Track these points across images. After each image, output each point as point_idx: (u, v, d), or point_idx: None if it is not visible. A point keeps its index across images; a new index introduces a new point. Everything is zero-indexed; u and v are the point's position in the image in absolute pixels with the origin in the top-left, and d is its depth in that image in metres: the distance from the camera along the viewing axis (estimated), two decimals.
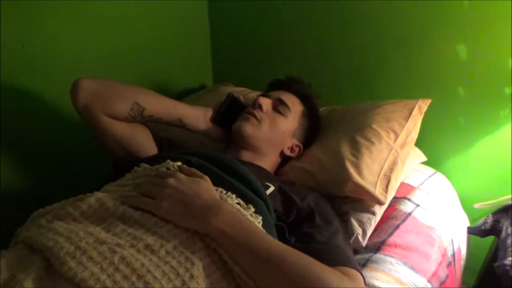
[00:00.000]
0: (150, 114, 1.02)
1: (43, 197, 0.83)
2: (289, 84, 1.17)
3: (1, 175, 1.11)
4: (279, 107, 1.10)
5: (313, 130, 1.17)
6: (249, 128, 1.05)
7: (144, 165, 0.88)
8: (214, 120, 1.11)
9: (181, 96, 1.57)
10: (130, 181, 0.84)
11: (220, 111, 1.12)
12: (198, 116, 1.10)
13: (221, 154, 0.98)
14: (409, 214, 1.08)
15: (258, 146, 1.07)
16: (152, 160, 0.90)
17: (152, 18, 1.45)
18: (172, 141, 1.15)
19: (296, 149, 1.12)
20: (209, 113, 1.12)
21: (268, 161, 1.10)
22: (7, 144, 1.13)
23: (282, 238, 0.80)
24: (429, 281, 0.92)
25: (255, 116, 1.07)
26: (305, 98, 1.15)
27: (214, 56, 1.77)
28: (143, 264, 0.63)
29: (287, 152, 1.11)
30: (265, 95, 1.14)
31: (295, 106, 1.12)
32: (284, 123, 1.09)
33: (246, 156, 1.06)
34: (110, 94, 0.98)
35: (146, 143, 1.05)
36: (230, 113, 1.12)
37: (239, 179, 0.85)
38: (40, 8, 1.12)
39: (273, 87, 1.20)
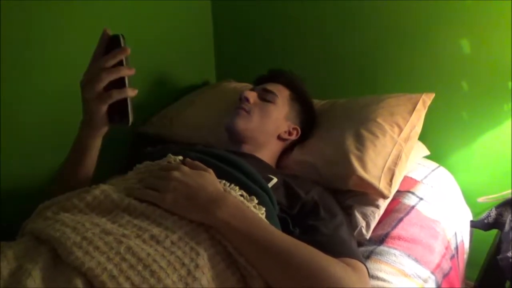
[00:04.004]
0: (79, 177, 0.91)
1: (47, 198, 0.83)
2: (272, 76, 1.20)
3: (3, 172, 1.12)
4: (266, 96, 1.12)
5: (307, 111, 1.19)
6: (240, 122, 1.07)
7: (146, 162, 0.89)
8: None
9: (184, 92, 1.58)
10: (134, 175, 0.85)
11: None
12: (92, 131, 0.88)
13: (219, 149, 0.99)
14: (413, 207, 1.09)
15: (254, 137, 1.08)
16: (153, 156, 0.91)
17: (156, 15, 1.45)
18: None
19: (294, 132, 1.14)
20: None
21: (269, 151, 1.11)
22: (9, 141, 1.13)
23: (285, 230, 0.80)
24: (432, 272, 0.92)
25: (244, 109, 1.09)
26: (289, 83, 1.18)
27: (217, 53, 1.78)
28: (149, 254, 0.64)
29: (285, 136, 1.13)
30: (250, 89, 1.17)
31: (281, 92, 1.15)
32: (275, 110, 1.11)
33: (246, 149, 1.08)
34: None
35: None
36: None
37: (241, 172, 0.86)
38: (43, 6, 1.13)
39: (258, 83, 1.22)
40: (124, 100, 0.79)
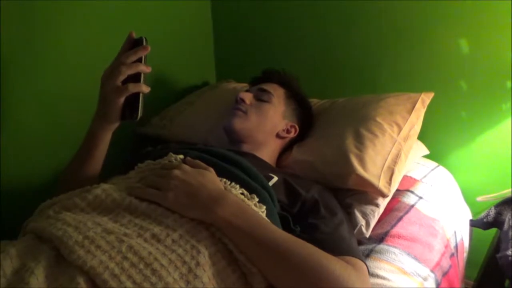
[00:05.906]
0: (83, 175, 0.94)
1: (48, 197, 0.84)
2: (266, 76, 1.22)
3: (3, 172, 1.12)
4: (261, 96, 1.14)
5: (304, 108, 1.20)
6: (237, 122, 1.09)
7: (148, 161, 0.90)
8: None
9: (184, 93, 1.58)
10: (135, 174, 0.86)
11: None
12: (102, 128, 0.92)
13: (220, 148, 1.00)
14: (412, 206, 1.09)
15: (252, 136, 1.09)
16: (154, 155, 0.92)
17: (156, 15, 1.46)
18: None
19: (292, 130, 1.15)
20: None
21: (269, 150, 1.12)
22: (9, 141, 1.13)
23: (286, 227, 0.80)
24: (432, 271, 0.92)
25: (240, 110, 1.10)
26: (283, 82, 1.20)
27: (217, 53, 1.78)
28: (150, 253, 0.64)
29: (284, 134, 1.14)
30: (245, 90, 1.20)
31: (276, 91, 1.16)
32: (271, 109, 1.12)
33: (246, 148, 1.09)
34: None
35: None
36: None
37: (241, 170, 0.86)
38: (43, 6, 1.13)
39: (252, 84, 1.24)
40: (137, 96, 0.85)
